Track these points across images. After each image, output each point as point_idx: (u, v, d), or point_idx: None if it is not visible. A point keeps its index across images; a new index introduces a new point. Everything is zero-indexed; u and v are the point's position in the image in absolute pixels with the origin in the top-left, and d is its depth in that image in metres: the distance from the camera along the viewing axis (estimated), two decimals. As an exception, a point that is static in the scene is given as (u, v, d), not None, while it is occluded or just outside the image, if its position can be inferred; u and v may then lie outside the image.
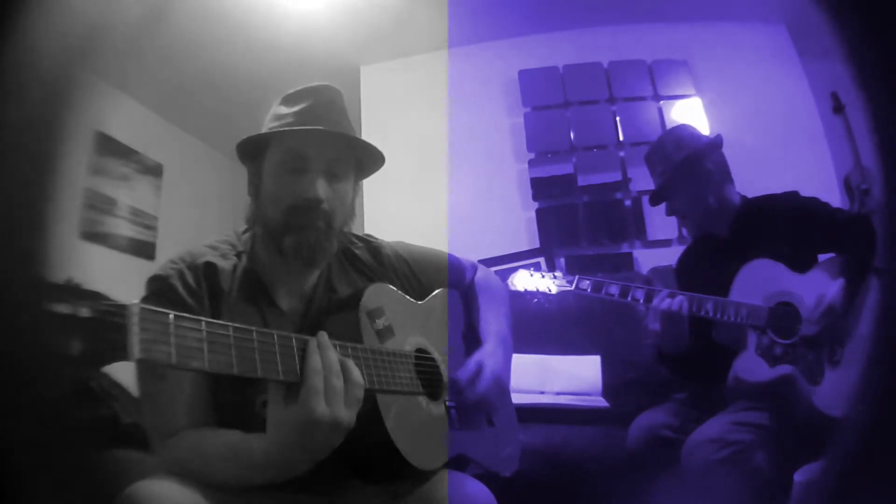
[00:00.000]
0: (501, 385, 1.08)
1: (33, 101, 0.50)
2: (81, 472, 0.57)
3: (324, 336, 0.78)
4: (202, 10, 2.73)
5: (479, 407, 1.06)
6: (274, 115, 1.01)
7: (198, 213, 3.69)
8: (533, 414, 1.89)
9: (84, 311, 0.54)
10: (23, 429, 0.48)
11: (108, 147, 3.20)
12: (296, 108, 0.99)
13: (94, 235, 3.06)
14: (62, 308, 0.53)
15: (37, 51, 0.50)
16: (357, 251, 1.11)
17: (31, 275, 0.49)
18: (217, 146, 3.92)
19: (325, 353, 0.76)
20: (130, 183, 3.35)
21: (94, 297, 0.56)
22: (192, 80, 3.20)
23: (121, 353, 0.57)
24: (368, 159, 1.07)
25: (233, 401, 0.88)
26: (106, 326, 0.55)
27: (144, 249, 3.39)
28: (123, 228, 3.28)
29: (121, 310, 0.57)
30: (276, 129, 0.98)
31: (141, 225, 3.41)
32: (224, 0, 2.73)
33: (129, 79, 3.01)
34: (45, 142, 0.51)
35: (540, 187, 3.06)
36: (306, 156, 0.97)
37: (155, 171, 3.55)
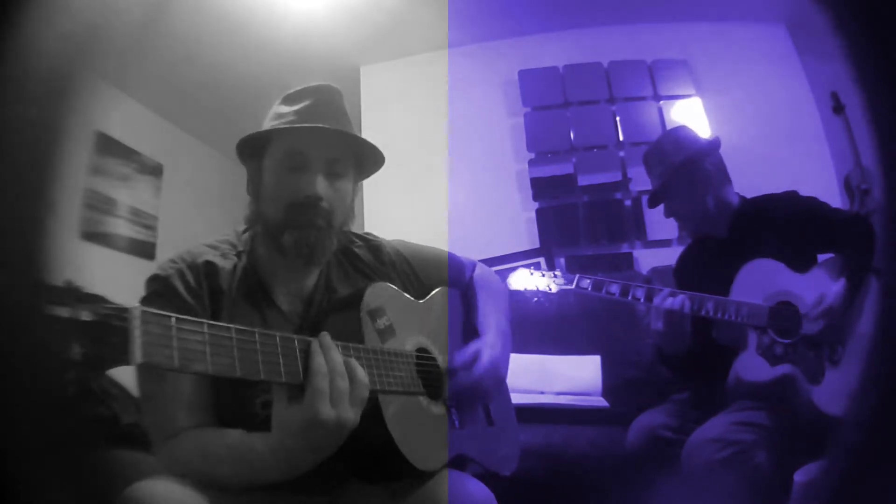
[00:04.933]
0: (498, 373, 1.07)
1: (33, 101, 0.50)
2: (81, 473, 0.57)
3: (326, 337, 0.78)
4: (202, 10, 2.73)
5: (475, 392, 1.04)
6: (274, 114, 1.01)
7: (198, 213, 3.69)
8: (533, 414, 1.89)
9: (85, 315, 0.54)
10: (23, 430, 0.48)
11: (108, 147, 3.20)
12: (296, 107, 0.99)
13: (94, 235, 3.06)
14: (63, 311, 0.52)
15: (37, 51, 0.50)
16: (357, 250, 1.11)
17: (31, 277, 0.49)
18: (217, 146, 3.91)
19: (328, 354, 0.76)
20: (130, 183, 3.35)
21: (95, 300, 0.55)
22: (192, 80, 3.19)
23: (122, 357, 0.56)
24: (368, 159, 1.07)
25: (232, 400, 0.88)
26: (107, 330, 0.55)
27: (144, 249, 3.39)
28: (123, 228, 3.28)
29: (122, 313, 0.57)
30: (276, 127, 0.98)
31: (141, 225, 3.41)
32: (224, 0, 2.73)
33: (129, 79, 3.01)
34: (45, 142, 0.51)
35: (540, 187, 3.06)
36: (306, 153, 0.97)
37: (155, 171, 3.55)
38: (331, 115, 0.99)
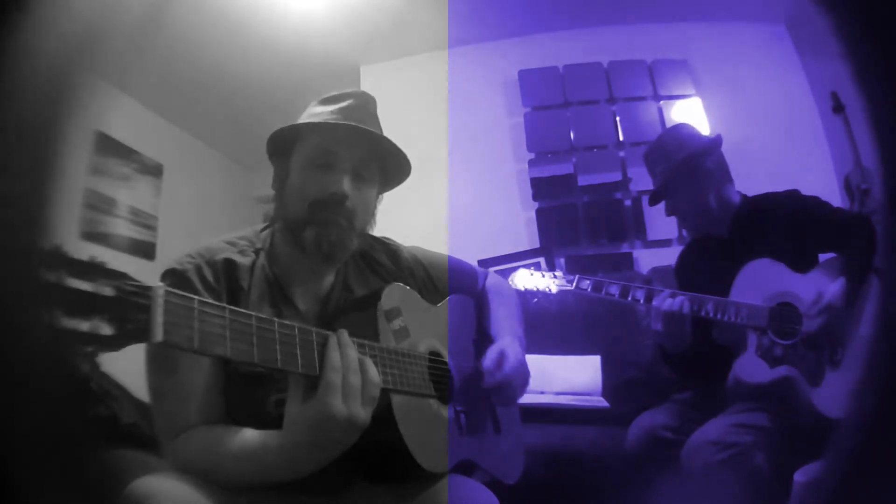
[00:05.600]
0: (526, 371, 1.09)
1: (33, 101, 0.50)
2: (82, 472, 0.56)
3: (344, 333, 0.78)
4: (202, 10, 2.73)
5: (506, 391, 1.06)
6: (309, 114, 1.02)
7: (198, 213, 3.69)
8: (533, 414, 1.89)
9: (108, 291, 0.53)
10: (24, 430, 0.48)
11: (108, 147, 3.20)
12: (332, 108, 1.00)
13: (94, 235, 3.06)
14: (86, 286, 0.52)
15: (37, 51, 0.50)
16: (375, 253, 1.12)
17: (32, 274, 0.49)
18: (217, 146, 3.91)
19: (344, 350, 0.76)
20: (130, 183, 3.35)
21: (119, 276, 0.55)
22: (192, 80, 3.19)
23: (143, 335, 0.56)
24: (394, 169, 1.08)
25: (245, 399, 0.88)
26: (130, 307, 0.55)
27: (144, 249, 3.39)
28: (123, 228, 3.28)
29: (146, 291, 0.57)
30: (310, 122, 0.99)
31: (141, 225, 3.41)
32: (224, 0, 2.73)
33: (129, 79, 3.01)
34: (45, 142, 0.51)
35: (540, 187, 3.06)
36: (336, 152, 0.97)
37: (155, 171, 3.55)
38: (364, 119, 1.00)
